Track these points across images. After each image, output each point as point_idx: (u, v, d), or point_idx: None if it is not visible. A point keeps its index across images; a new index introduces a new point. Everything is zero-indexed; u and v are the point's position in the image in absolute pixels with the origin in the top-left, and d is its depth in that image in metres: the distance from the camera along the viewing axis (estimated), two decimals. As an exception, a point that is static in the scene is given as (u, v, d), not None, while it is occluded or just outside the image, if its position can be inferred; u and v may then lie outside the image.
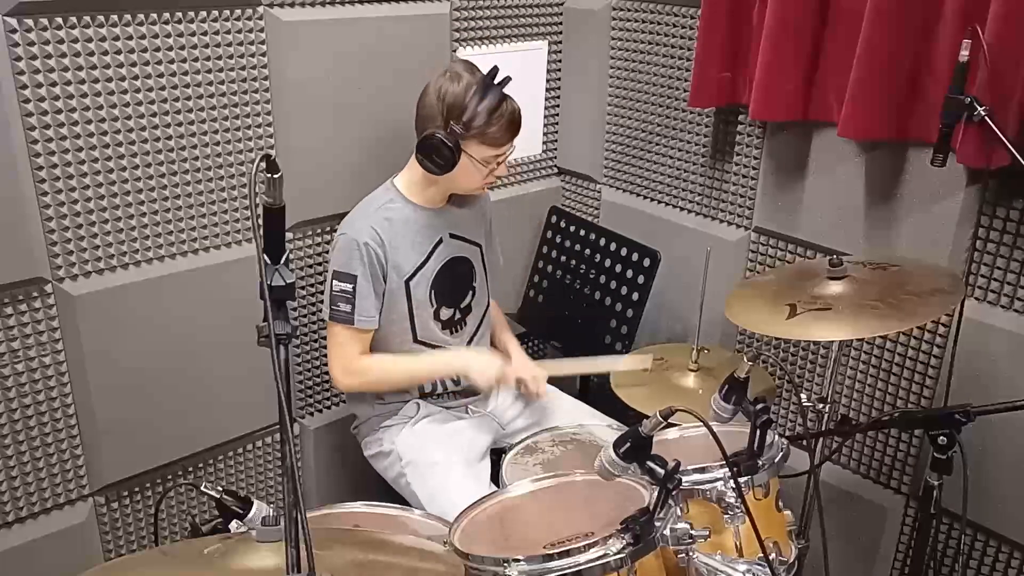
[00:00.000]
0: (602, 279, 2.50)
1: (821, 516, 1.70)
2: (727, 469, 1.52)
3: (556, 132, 2.79)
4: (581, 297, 2.55)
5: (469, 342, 2.20)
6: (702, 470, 1.58)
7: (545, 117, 2.73)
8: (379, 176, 2.13)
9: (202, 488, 1.43)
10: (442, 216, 2.10)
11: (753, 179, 2.32)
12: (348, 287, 1.96)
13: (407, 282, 2.04)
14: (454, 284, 2.14)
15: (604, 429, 2.10)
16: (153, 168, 1.92)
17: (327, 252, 2.29)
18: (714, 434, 1.36)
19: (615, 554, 1.34)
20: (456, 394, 2.18)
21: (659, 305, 2.53)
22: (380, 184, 2.10)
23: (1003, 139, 1.67)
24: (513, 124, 1.96)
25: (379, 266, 1.98)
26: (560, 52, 2.70)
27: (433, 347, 2.13)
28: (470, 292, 2.18)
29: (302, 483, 2.10)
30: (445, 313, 2.13)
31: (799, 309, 1.76)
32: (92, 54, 1.77)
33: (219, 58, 1.95)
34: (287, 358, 1.09)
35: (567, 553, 1.36)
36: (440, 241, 2.09)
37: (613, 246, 2.50)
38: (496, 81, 1.89)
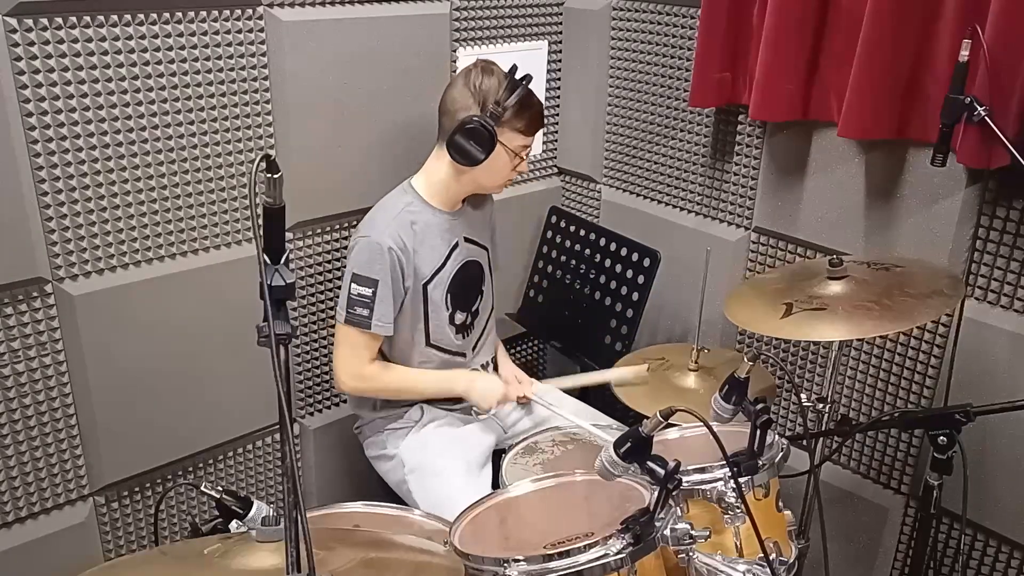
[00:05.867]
0: (602, 279, 2.50)
1: (821, 516, 1.70)
2: (727, 469, 1.52)
3: (556, 132, 2.79)
4: (581, 297, 2.55)
5: (475, 346, 2.20)
6: (702, 470, 1.58)
7: (545, 117, 2.72)
8: (379, 176, 2.13)
9: (202, 488, 1.44)
10: (458, 219, 2.09)
11: (753, 179, 2.32)
12: (368, 292, 1.92)
13: (425, 286, 2.03)
14: (467, 287, 2.13)
15: (604, 429, 2.10)
16: (153, 168, 1.92)
17: (327, 252, 2.29)
18: (714, 434, 1.36)
19: (615, 554, 1.34)
20: (459, 399, 2.17)
21: (659, 305, 2.53)
22: (380, 184, 2.10)
23: (1003, 139, 1.68)
24: (541, 115, 2.03)
25: (400, 271, 1.96)
26: (560, 52, 2.70)
27: (444, 351, 2.13)
28: (479, 296, 2.18)
29: (302, 483, 2.10)
30: (459, 317, 2.12)
31: (795, 308, 1.77)
32: (92, 54, 1.77)
33: (219, 58, 1.95)
34: (287, 358, 1.09)
35: (567, 553, 1.36)
36: (456, 244, 2.08)
37: (613, 246, 2.49)
38: (519, 77, 1.97)
